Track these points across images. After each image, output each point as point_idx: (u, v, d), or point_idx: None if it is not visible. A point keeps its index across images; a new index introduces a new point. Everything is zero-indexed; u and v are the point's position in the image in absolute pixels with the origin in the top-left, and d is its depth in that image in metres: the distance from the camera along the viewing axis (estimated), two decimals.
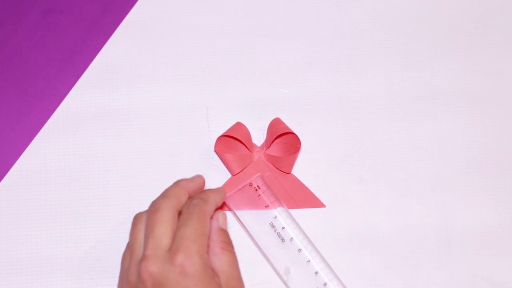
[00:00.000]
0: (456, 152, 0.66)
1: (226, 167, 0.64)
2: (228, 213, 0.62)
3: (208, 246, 0.52)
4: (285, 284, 0.60)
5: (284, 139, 0.64)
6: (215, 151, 0.64)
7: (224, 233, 0.54)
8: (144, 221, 0.53)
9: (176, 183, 0.55)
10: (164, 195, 0.53)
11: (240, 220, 0.61)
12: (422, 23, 0.70)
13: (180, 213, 0.53)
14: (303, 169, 0.64)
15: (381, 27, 0.70)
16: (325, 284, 0.59)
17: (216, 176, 0.64)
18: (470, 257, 0.63)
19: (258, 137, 0.66)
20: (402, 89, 0.68)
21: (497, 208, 0.64)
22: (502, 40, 0.70)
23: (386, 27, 0.70)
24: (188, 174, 0.64)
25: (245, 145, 0.63)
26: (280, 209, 0.61)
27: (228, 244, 0.54)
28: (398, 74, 0.68)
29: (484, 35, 0.70)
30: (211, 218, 0.54)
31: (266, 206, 0.61)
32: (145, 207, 0.63)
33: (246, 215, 0.61)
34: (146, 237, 0.51)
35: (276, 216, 0.61)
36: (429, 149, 0.66)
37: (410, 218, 0.63)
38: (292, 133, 0.63)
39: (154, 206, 0.53)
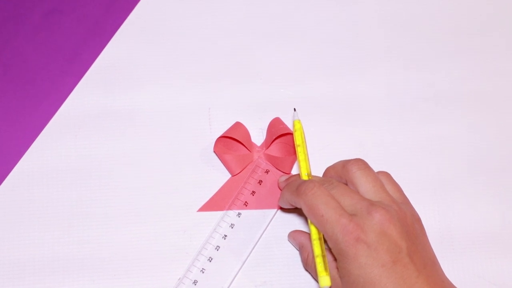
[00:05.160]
0: (460, 154, 0.66)
1: (226, 167, 0.64)
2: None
3: None
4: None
5: (284, 140, 0.64)
6: (214, 152, 0.64)
7: None
8: None
9: None
10: None
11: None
12: (426, 25, 0.70)
13: None
14: None
15: (384, 29, 0.70)
16: None
17: (218, 177, 0.64)
18: (474, 258, 0.63)
19: (258, 136, 0.65)
20: (405, 91, 0.68)
21: (501, 210, 0.64)
22: (506, 42, 0.69)
23: (389, 29, 0.70)
24: (190, 175, 0.64)
25: (244, 145, 0.63)
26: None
27: None
28: (401, 76, 0.68)
29: (488, 37, 0.69)
30: None
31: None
32: (146, 207, 0.63)
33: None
34: None
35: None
36: (432, 150, 0.66)
37: None
38: (291, 133, 0.62)
39: None
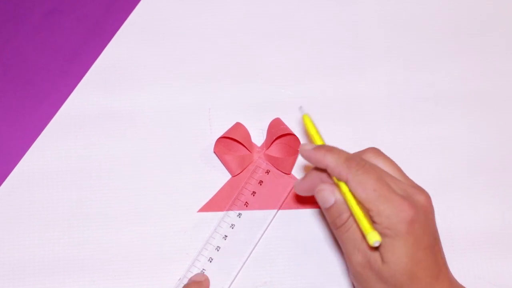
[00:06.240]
0: (460, 154, 0.66)
1: (226, 168, 0.64)
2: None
3: None
4: None
5: (284, 140, 0.64)
6: (214, 152, 0.64)
7: None
8: None
9: None
10: None
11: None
12: (426, 25, 0.70)
13: None
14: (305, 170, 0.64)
15: (384, 29, 0.70)
16: None
17: (218, 177, 0.64)
18: (474, 259, 0.63)
19: (258, 136, 0.65)
20: (405, 91, 0.68)
21: (501, 210, 0.64)
22: (506, 42, 0.69)
23: (389, 29, 0.70)
24: (191, 175, 0.64)
25: (244, 146, 0.63)
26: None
27: None
28: (401, 76, 0.68)
29: (488, 37, 0.69)
30: None
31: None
32: (147, 208, 0.63)
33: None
34: None
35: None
36: (432, 150, 0.66)
37: None
38: (292, 134, 0.62)
39: None
